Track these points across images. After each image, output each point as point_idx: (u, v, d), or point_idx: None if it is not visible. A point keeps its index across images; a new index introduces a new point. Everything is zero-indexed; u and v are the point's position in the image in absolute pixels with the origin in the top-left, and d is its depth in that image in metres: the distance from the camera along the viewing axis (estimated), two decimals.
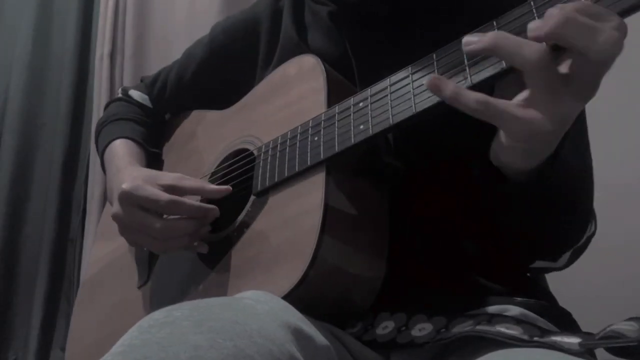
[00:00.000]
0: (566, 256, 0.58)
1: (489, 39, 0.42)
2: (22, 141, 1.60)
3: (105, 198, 1.39)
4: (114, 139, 0.82)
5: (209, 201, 0.71)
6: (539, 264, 0.59)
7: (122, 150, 0.79)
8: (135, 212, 0.64)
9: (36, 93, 1.64)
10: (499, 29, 0.46)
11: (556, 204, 0.51)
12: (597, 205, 0.63)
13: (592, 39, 0.39)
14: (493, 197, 0.53)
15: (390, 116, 0.52)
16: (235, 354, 0.36)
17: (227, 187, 0.66)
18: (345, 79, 0.65)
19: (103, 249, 0.87)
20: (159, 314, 0.40)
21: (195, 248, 0.65)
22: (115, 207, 0.67)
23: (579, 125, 0.60)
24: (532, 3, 0.44)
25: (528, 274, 0.64)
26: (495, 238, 0.59)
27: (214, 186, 0.67)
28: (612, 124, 1.10)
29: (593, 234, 0.60)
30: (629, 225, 1.09)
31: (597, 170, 0.59)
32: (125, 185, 0.65)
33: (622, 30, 0.39)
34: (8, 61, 1.68)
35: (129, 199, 0.64)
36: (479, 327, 0.48)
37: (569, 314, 0.60)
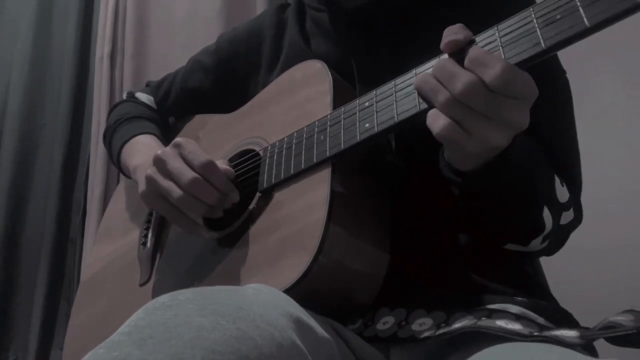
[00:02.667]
0: (537, 242, 0.59)
1: (415, 81, 0.50)
2: (22, 141, 1.60)
3: (105, 198, 1.39)
4: (135, 135, 0.83)
5: None
6: (511, 247, 0.60)
7: (149, 141, 0.81)
8: (177, 159, 0.65)
9: (36, 93, 1.64)
10: (500, 31, 0.47)
11: (503, 194, 0.54)
12: (597, 205, 0.65)
13: (451, 87, 0.47)
14: (452, 186, 0.57)
15: (395, 114, 0.53)
16: (238, 336, 0.37)
17: (230, 169, 0.68)
18: (348, 84, 0.66)
19: (103, 249, 0.87)
20: (164, 298, 0.41)
21: (201, 230, 0.66)
22: (152, 169, 0.66)
23: (563, 116, 0.65)
24: (531, 9, 0.46)
25: (528, 272, 0.65)
26: (490, 234, 0.61)
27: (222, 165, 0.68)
28: (613, 127, 1.12)
29: (573, 222, 0.61)
30: (629, 225, 1.10)
31: (600, 171, 0.61)
32: (176, 140, 0.66)
33: (491, 74, 0.45)
34: (8, 61, 1.67)
35: (178, 147, 0.65)
36: (480, 323, 0.49)
37: (569, 315, 0.61)
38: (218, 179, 0.64)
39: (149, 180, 0.67)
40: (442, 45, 0.49)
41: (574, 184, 0.64)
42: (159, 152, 0.66)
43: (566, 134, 0.66)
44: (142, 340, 0.36)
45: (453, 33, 0.48)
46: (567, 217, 0.60)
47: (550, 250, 0.63)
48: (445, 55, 0.49)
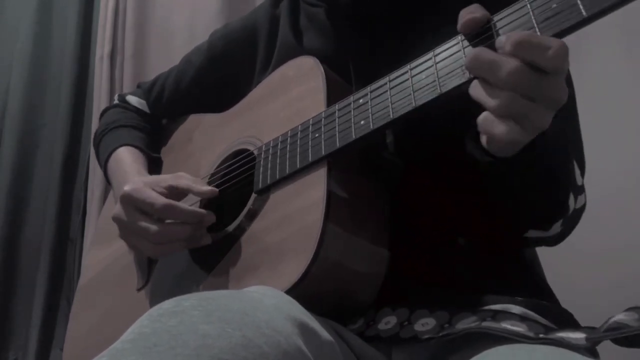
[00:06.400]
0: (557, 226, 0.58)
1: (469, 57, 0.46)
2: (22, 141, 1.60)
3: (105, 198, 1.39)
4: (117, 147, 0.82)
5: (209, 203, 0.71)
6: (532, 233, 0.59)
7: (129, 158, 0.80)
8: (134, 214, 0.66)
9: (36, 93, 1.64)
10: (494, 25, 0.46)
11: (540, 175, 0.53)
12: (596, 204, 0.64)
13: (490, 74, 0.44)
14: (483, 174, 0.55)
15: (391, 111, 0.52)
16: (244, 344, 0.37)
17: (212, 189, 0.68)
18: (342, 80, 0.65)
19: (100, 252, 0.87)
20: (168, 304, 0.40)
21: (198, 241, 0.66)
22: (116, 209, 0.68)
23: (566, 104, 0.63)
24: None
25: (529, 272, 0.65)
26: (495, 233, 0.59)
27: (201, 187, 0.68)
28: (611, 126, 1.11)
29: (583, 207, 0.61)
30: (629, 225, 1.09)
31: (597, 170, 0.60)
32: (126, 187, 0.67)
33: (527, 55, 0.43)
34: (8, 61, 1.68)
35: (129, 201, 0.66)
36: (484, 324, 0.48)
37: (570, 315, 0.60)
38: (181, 214, 0.64)
39: (122, 237, 0.69)
40: (459, 26, 0.47)
41: (583, 169, 0.63)
42: (115, 213, 0.67)
43: (572, 121, 0.64)
44: (147, 348, 0.35)
45: (470, 12, 0.47)
46: (580, 200, 0.59)
47: (561, 237, 0.62)
48: (456, 46, 0.47)
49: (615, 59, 1.16)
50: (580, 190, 0.59)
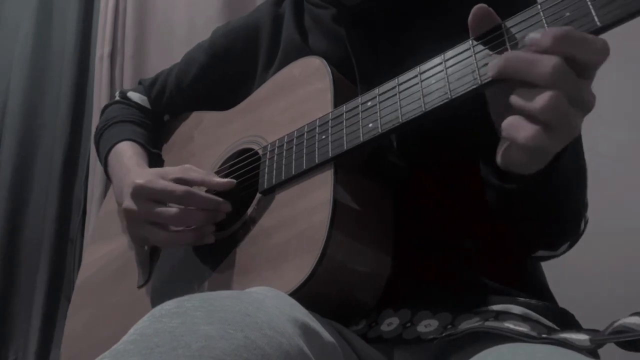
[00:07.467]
0: (565, 246, 0.59)
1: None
2: (22, 141, 1.60)
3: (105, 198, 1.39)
4: (118, 142, 0.82)
5: None
6: (540, 253, 0.60)
7: (129, 152, 0.80)
8: (150, 204, 0.66)
9: (36, 93, 1.64)
10: (507, 31, 0.47)
11: (554, 199, 0.52)
12: (596, 205, 0.65)
13: (530, 72, 0.41)
14: (497, 195, 0.54)
15: (400, 115, 0.52)
16: (245, 345, 0.36)
17: (230, 180, 0.68)
18: (348, 81, 0.65)
19: (98, 251, 0.86)
20: (170, 304, 0.40)
21: (203, 237, 0.66)
22: (126, 202, 0.68)
23: None
24: (539, 5, 0.45)
25: (529, 272, 0.65)
26: (497, 235, 0.60)
27: (218, 179, 0.68)
28: (612, 123, 1.11)
29: (587, 221, 0.61)
30: (629, 224, 1.10)
31: (597, 169, 0.60)
32: (139, 180, 0.66)
33: (564, 51, 0.40)
34: (8, 61, 1.67)
35: (144, 192, 0.66)
36: (487, 323, 0.49)
37: (571, 315, 0.60)
38: (201, 201, 0.65)
39: (132, 232, 0.69)
40: (470, 17, 0.47)
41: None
42: (126, 206, 0.67)
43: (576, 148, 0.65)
44: (149, 349, 0.35)
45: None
46: (586, 217, 0.60)
47: (566, 251, 0.62)
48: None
49: (614, 58, 1.16)
50: (586, 207, 0.59)
